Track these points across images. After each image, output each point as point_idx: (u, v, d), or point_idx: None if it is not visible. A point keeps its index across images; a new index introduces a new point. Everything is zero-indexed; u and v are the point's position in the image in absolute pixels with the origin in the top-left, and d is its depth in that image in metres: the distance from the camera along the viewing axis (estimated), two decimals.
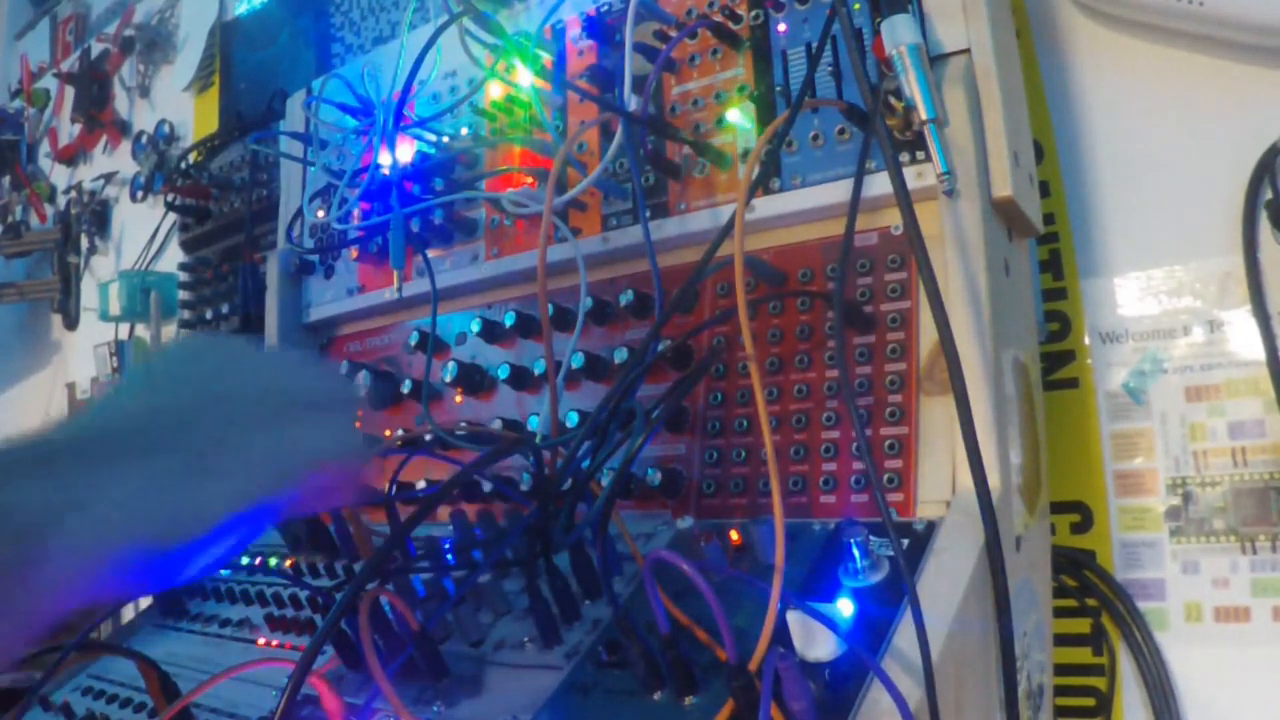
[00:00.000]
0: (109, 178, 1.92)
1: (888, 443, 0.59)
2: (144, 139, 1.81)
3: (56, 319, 2.07)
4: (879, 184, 0.61)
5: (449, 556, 0.67)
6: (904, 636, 0.46)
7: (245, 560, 0.87)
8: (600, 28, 0.77)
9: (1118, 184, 0.78)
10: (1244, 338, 0.72)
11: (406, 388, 0.85)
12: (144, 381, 0.51)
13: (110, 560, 0.41)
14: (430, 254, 0.86)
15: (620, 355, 0.71)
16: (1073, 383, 0.78)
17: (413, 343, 0.87)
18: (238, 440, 0.46)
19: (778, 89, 0.68)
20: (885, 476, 0.59)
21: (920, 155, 0.60)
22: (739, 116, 0.69)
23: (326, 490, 0.50)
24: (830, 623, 0.44)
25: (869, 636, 0.47)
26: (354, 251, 0.94)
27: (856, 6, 0.64)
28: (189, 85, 1.72)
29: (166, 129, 1.77)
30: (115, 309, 1.70)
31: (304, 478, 0.47)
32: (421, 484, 0.81)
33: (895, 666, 0.45)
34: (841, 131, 0.65)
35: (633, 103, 0.68)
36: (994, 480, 0.54)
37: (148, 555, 0.42)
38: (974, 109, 0.59)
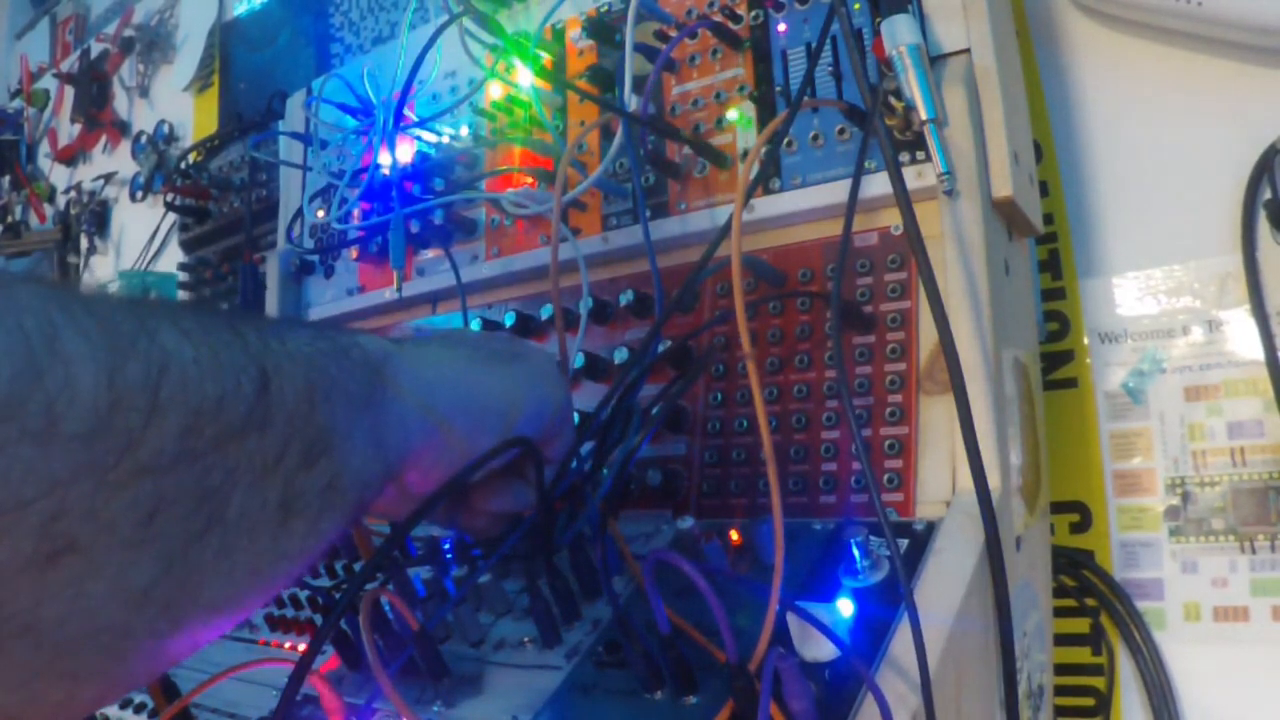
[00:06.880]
0: (109, 178, 1.92)
1: (887, 443, 0.59)
2: (144, 139, 1.80)
3: None
4: (879, 184, 0.61)
5: (449, 556, 0.67)
6: (903, 638, 0.46)
7: None
8: (600, 28, 0.77)
9: (1117, 184, 0.78)
10: (1243, 338, 0.72)
11: None
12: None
13: (427, 412, 0.47)
14: (430, 254, 0.86)
15: (620, 355, 0.71)
16: (1072, 383, 0.78)
17: None
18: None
19: (778, 89, 0.68)
20: (885, 476, 0.59)
21: (920, 155, 0.60)
22: (739, 116, 0.69)
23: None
24: (827, 630, 0.44)
25: (869, 637, 0.47)
26: (354, 251, 0.94)
27: (856, 6, 0.64)
28: (189, 85, 1.72)
29: (166, 129, 1.77)
30: None
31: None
32: None
33: (894, 668, 0.45)
34: (841, 131, 0.65)
35: (633, 103, 0.68)
36: (994, 480, 0.54)
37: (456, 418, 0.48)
38: (974, 109, 0.59)
